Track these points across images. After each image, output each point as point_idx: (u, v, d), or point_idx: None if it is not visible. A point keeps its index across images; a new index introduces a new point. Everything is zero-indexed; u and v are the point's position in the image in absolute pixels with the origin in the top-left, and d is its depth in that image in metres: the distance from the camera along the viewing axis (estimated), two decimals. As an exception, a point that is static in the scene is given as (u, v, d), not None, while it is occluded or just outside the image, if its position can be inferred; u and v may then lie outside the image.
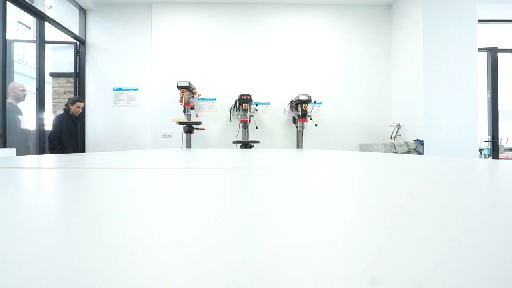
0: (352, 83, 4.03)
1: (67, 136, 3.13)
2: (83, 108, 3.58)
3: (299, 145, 3.60)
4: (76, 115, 3.30)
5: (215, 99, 3.94)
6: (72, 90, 3.95)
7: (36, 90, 3.19)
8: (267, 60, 3.98)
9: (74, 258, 0.12)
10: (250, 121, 3.58)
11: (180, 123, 3.34)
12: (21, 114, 3.14)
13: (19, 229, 0.17)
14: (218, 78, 3.95)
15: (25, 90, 3.12)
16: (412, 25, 3.53)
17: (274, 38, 4.00)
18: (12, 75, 2.95)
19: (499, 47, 3.81)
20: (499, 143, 3.80)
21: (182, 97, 3.23)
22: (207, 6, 3.96)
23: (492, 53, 3.79)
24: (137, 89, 3.95)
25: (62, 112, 3.26)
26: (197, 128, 3.53)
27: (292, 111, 3.68)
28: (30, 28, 8.01)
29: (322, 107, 3.97)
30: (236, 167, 0.64)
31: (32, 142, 3.30)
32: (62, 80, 4.06)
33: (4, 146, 2.72)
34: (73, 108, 3.22)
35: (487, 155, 4.11)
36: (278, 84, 3.97)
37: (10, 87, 3.02)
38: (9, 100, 2.97)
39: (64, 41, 3.80)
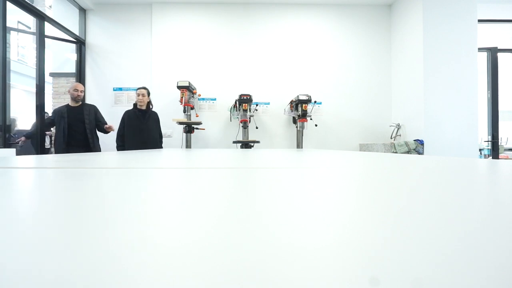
0: (352, 83, 4.03)
1: (130, 133, 2.96)
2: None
3: (299, 145, 3.60)
4: (142, 107, 3.02)
5: (215, 99, 3.94)
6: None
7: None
8: (267, 60, 3.98)
9: (74, 259, 0.12)
10: (250, 121, 3.58)
11: (180, 123, 3.34)
12: (66, 115, 2.86)
13: (19, 229, 0.17)
14: (218, 78, 3.95)
15: (78, 90, 2.85)
16: (412, 25, 3.53)
17: (274, 38, 4.00)
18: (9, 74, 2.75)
19: (499, 47, 3.81)
20: (499, 143, 3.80)
21: (182, 97, 3.24)
22: (207, 6, 3.96)
23: (492, 53, 3.79)
24: (137, 89, 3.94)
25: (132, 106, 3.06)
26: (197, 128, 3.53)
27: (292, 111, 3.68)
28: (30, 28, 8.02)
29: (322, 107, 3.97)
30: (236, 167, 0.64)
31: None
32: (62, 80, 4.06)
33: (4, 146, 2.72)
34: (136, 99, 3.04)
35: (487, 155, 4.11)
36: (278, 84, 3.97)
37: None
38: (68, 102, 2.92)
39: (64, 39, 3.79)
